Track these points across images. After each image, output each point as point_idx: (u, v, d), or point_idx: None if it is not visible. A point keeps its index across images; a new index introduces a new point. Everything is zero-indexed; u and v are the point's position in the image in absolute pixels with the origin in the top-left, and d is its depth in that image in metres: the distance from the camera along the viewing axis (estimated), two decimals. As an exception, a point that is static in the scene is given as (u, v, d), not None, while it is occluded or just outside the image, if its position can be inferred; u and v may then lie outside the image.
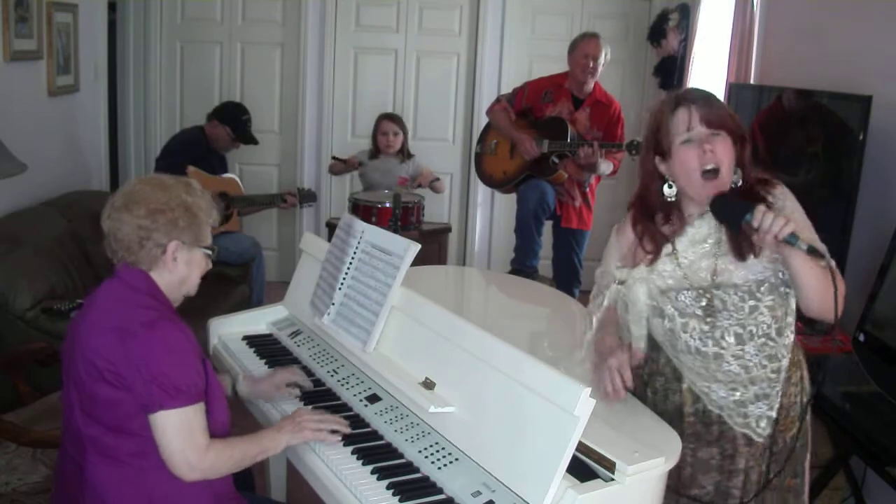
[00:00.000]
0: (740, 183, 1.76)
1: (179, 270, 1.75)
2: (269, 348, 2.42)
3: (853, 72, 3.09)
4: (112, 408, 1.63)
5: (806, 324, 2.79)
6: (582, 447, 1.56)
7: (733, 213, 1.67)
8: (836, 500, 2.81)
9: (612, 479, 1.54)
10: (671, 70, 4.76)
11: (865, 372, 2.42)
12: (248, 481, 2.09)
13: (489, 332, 1.76)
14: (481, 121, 4.48)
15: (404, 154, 4.65)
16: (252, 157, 5.18)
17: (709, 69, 4.33)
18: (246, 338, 2.48)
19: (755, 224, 1.61)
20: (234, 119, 4.28)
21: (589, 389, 1.49)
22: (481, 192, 5.35)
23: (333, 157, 4.79)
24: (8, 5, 3.36)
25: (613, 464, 1.54)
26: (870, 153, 2.79)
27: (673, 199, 1.79)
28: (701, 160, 1.71)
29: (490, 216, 5.49)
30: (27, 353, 2.62)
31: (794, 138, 3.26)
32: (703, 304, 1.77)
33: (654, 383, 1.92)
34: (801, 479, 1.89)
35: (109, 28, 4.88)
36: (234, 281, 4.19)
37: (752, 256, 1.73)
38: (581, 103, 4.08)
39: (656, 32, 4.78)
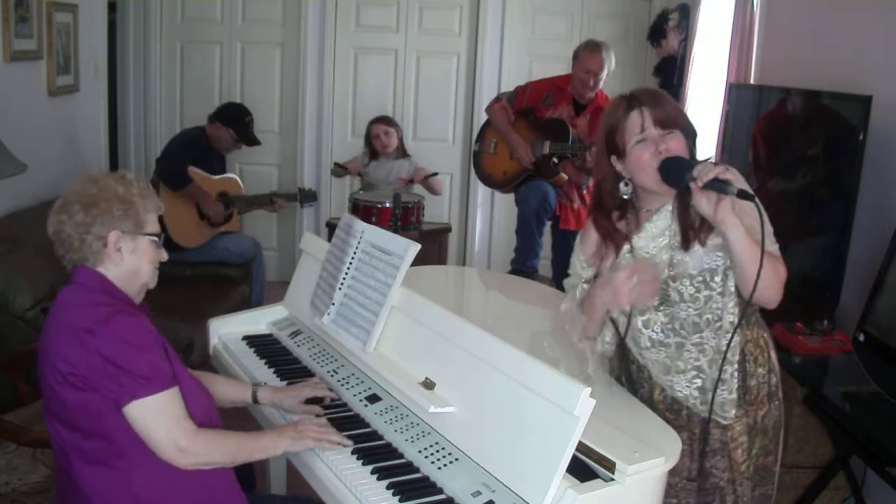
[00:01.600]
0: None
1: (126, 261, 1.74)
2: (269, 348, 2.42)
3: (853, 72, 3.09)
4: (82, 411, 1.62)
5: (806, 324, 2.81)
6: (582, 447, 1.56)
7: (679, 170, 1.70)
8: (836, 500, 2.81)
9: (612, 479, 1.54)
10: (671, 70, 4.76)
11: (865, 372, 2.42)
12: (249, 481, 2.09)
13: (489, 332, 1.76)
14: (481, 121, 4.48)
15: (401, 152, 4.65)
16: (252, 157, 5.18)
17: (709, 69, 4.33)
18: (246, 338, 2.48)
19: (695, 174, 1.65)
20: (237, 121, 4.28)
21: (589, 389, 1.49)
22: (481, 192, 5.35)
23: (336, 164, 4.78)
24: (8, 5, 3.36)
25: (613, 464, 1.54)
26: (870, 153, 2.79)
27: (628, 196, 1.83)
28: (655, 158, 1.75)
29: (490, 216, 5.49)
30: (27, 353, 2.62)
31: (794, 138, 3.25)
32: (660, 296, 1.82)
33: (624, 377, 1.96)
34: (773, 457, 1.92)
35: (109, 28, 4.88)
36: (234, 281, 4.19)
37: (697, 245, 1.77)
38: (582, 109, 4.08)
39: (656, 32, 4.78)
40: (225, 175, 4.37)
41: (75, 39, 4.14)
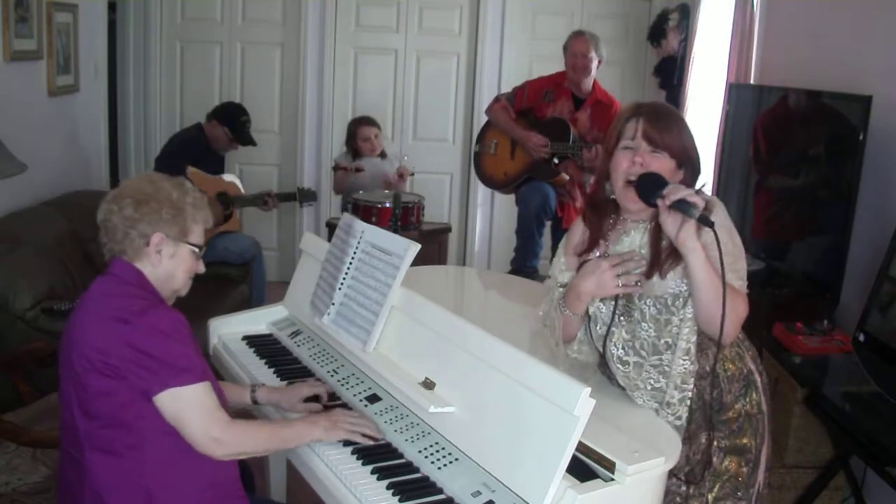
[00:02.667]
0: None
1: (164, 265, 1.77)
2: (269, 348, 2.42)
3: (853, 72, 3.09)
4: (106, 399, 1.64)
5: (806, 324, 2.81)
6: (582, 447, 1.56)
7: (653, 186, 1.70)
8: (836, 500, 2.81)
9: (612, 479, 1.54)
10: (671, 70, 4.76)
11: (865, 372, 2.42)
12: (248, 482, 2.09)
13: (489, 332, 1.76)
14: (481, 121, 4.49)
15: (382, 154, 4.63)
16: (252, 157, 5.18)
17: (709, 69, 4.33)
18: (246, 338, 2.48)
19: (665, 192, 1.65)
20: (233, 119, 4.27)
21: (589, 389, 1.49)
22: (481, 192, 5.35)
23: (335, 167, 4.64)
24: (8, 5, 3.36)
25: (613, 464, 1.54)
26: (870, 153, 2.79)
27: (612, 195, 1.83)
28: (628, 168, 1.75)
29: (490, 216, 5.49)
30: (27, 353, 2.62)
31: (795, 138, 3.26)
32: (622, 313, 1.82)
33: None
34: (749, 468, 1.86)
35: (109, 28, 4.88)
36: (234, 281, 4.19)
37: (657, 276, 1.76)
38: (581, 103, 4.09)
39: (656, 32, 4.78)
40: (224, 176, 4.37)
41: (75, 39, 4.14)
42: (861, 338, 2.47)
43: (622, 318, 1.83)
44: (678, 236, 1.66)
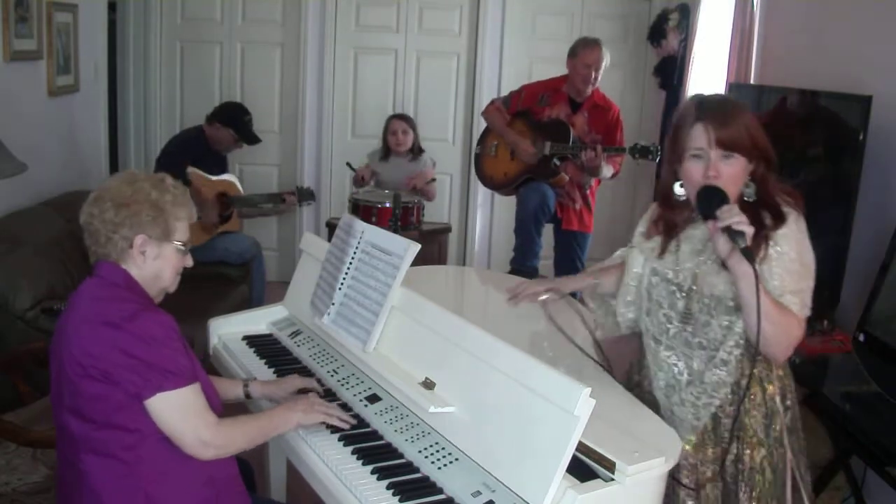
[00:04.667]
0: (753, 198, 1.74)
1: (150, 265, 1.76)
2: (269, 348, 2.42)
3: (853, 72, 3.09)
4: (99, 403, 1.64)
5: (806, 323, 2.80)
6: (582, 447, 1.56)
7: (709, 203, 1.67)
8: (836, 500, 2.81)
9: (612, 479, 1.54)
10: (671, 70, 4.76)
11: (865, 372, 2.42)
12: (248, 481, 2.09)
13: (489, 332, 1.76)
14: (481, 121, 4.48)
15: (415, 151, 4.60)
16: (252, 157, 5.17)
17: (709, 69, 4.33)
18: (246, 338, 2.48)
19: (718, 213, 1.63)
20: (236, 120, 4.27)
21: (589, 389, 1.49)
22: (481, 192, 5.35)
23: (349, 165, 4.62)
24: (8, 5, 3.36)
25: (613, 464, 1.54)
26: (870, 153, 2.79)
27: (683, 198, 1.80)
28: (702, 180, 1.71)
29: (490, 216, 5.49)
30: (27, 353, 2.62)
31: (795, 138, 3.26)
32: (682, 306, 1.81)
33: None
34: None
35: (109, 28, 4.88)
36: (234, 281, 4.19)
37: (716, 269, 1.75)
38: (579, 107, 4.08)
39: (656, 32, 4.79)
40: (224, 176, 4.37)
41: (75, 39, 4.14)
42: (861, 338, 2.47)
43: (682, 314, 1.82)
44: (728, 259, 1.64)
